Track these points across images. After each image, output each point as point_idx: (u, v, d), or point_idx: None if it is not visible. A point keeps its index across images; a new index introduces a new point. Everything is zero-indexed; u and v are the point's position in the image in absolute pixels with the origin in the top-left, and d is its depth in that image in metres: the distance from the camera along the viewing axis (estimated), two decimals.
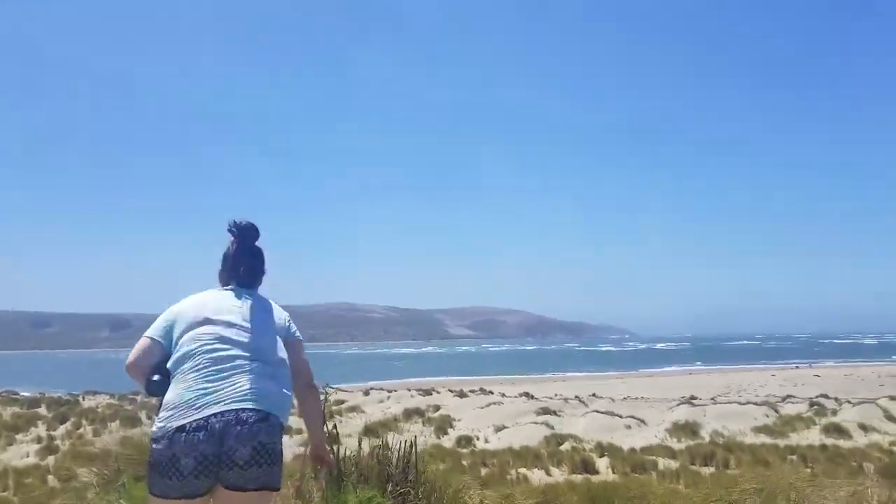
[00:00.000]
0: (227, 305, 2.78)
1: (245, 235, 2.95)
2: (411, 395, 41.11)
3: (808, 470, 14.65)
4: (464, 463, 19.22)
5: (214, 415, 2.43)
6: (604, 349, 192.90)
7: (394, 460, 4.99)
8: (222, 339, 2.63)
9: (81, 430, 27.52)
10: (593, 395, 44.91)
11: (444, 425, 28.88)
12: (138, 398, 34.76)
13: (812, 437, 22.36)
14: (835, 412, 26.90)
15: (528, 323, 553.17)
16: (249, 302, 2.84)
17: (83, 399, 40.92)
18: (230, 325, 2.69)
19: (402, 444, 5.09)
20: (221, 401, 2.47)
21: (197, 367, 2.56)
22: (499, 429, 27.75)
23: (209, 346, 2.60)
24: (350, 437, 22.22)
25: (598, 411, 31.94)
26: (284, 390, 2.72)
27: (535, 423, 28.08)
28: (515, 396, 40.42)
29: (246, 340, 2.66)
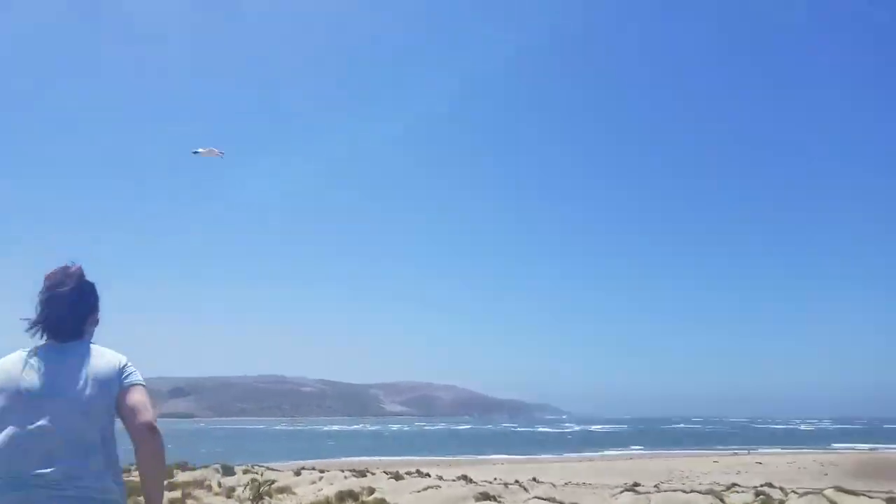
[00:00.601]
0: (31, 371, 2.51)
1: (53, 284, 2.67)
2: (345, 477, 38.61)
3: None
4: None
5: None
6: (541, 430, 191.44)
7: None
8: (24, 413, 2.39)
9: None
10: (533, 479, 43.43)
11: None
12: None
13: None
14: (782, 503, 26.43)
15: (464, 399, 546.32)
16: (59, 364, 2.55)
17: None
18: (20, 394, 2.44)
19: None
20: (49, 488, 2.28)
21: None
22: None
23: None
24: None
25: (539, 497, 30.56)
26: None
27: None
28: (453, 480, 38.58)
29: (37, 413, 2.41)
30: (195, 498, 30.58)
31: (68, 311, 2.63)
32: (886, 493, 34.52)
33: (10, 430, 2.34)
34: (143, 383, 2.68)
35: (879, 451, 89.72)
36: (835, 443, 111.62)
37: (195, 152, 7.46)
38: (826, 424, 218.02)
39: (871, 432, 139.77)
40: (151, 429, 2.53)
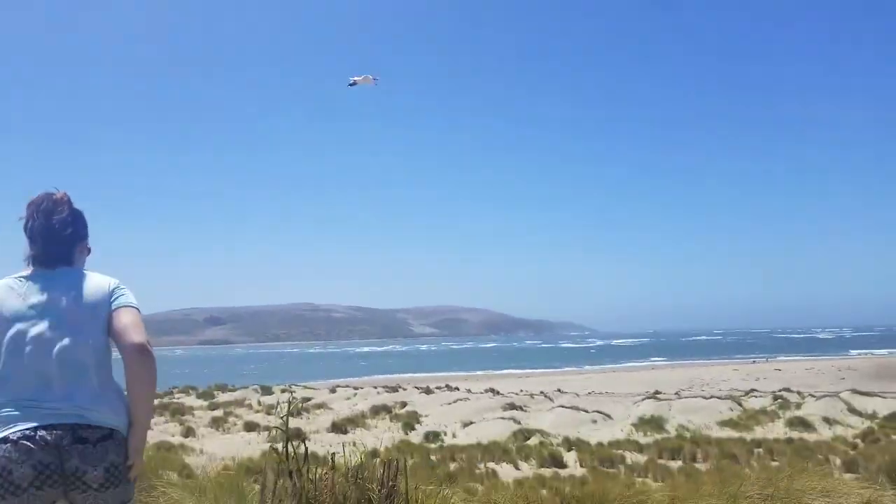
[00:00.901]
0: (19, 298, 2.45)
1: (38, 210, 2.54)
2: (377, 392, 40.62)
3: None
4: (432, 458, 18.92)
5: (44, 426, 2.24)
6: (565, 346, 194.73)
7: (375, 486, 3.92)
8: (16, 339, 2.37)
9: None
10: (558, 390, 45.10)
11: (411, 421, 28.52)
12: None
13: (777, 430, 22.66)
14: (798, 406, 27.37)
15: (490, 321, 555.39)
16: (48, 290, 2.47)
17: None
18: (9, 320, 2.40)
19: (385, 466, 4.04)
20: (49, 411, 2.28)
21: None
22: (466, 424, 27.54)
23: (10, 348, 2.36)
24: (318, 434, 21.44)
25: (563, 406, 32.01)
26: (102, 389, 2.42)
27: (502, 418, 27.97)
28: (481, 392, 40.31)
29: (46, 336, 2.37)
30: (237, 416, 32.64)
31: (59, 237, 2.54)
32: None
33: (3, 356, 2.35)
34: (136, 305, 2.52)
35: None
36: (853, 349, 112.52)
37: (351, 84, 7.55)
38: (845, 332, 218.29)
39: (889, 338, 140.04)
40: (142, 349, 2.36)
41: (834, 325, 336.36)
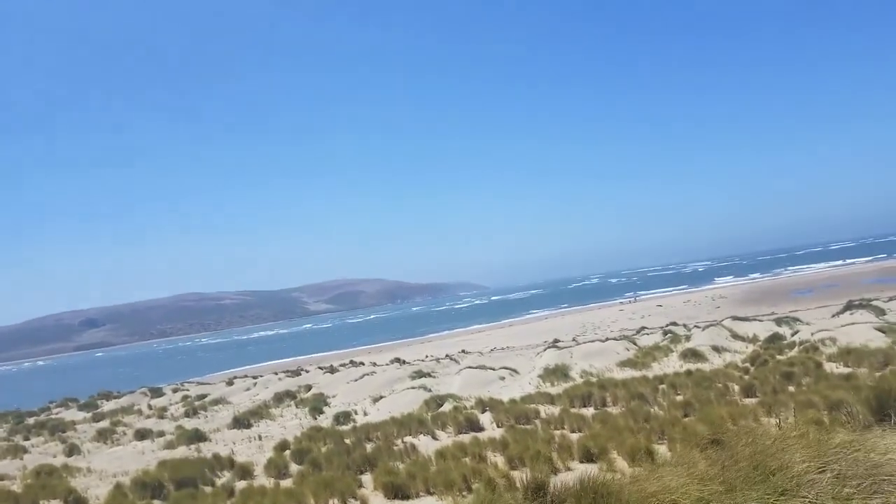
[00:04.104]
0: None
1: None
2: (279, 378, 39.03)
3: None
4: (347, 441, 18.19)
5: None
6: (463, 305, 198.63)
7: None
8: None
9: None
10: (462, 351, 45.53)
11: (318, 404, 27.48)
12: None
13: (673, 364, 23.74)
14: (687, 338, 28.93)
15: (386, 289, 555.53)
16: None
17: None
18: None
19: None
20: None
21: None
22: (376, 399, 26.92)
23: None
24: (218, 432, 19.87)
25: (470, 367, 32.12)
26: None
27: (412, 387, 27.59)
28: (387, 364, 39.79)
29: None
30: (125, 424, 30.13)
31: None
32: (770, 314, 38.74)
33: None
34: None
35: (759, 280, 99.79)
36: (717, 278, 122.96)
37: None
38: (705, 265, 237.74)
39: (750, 266, 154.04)
40: None
41: (696, 259, 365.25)
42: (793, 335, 26.41)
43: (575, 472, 11.57)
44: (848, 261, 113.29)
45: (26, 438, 27.16)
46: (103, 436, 26.11)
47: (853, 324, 24.76)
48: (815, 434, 4.15)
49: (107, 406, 36.20)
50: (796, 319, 31.13)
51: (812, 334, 24.38)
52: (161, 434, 24.71)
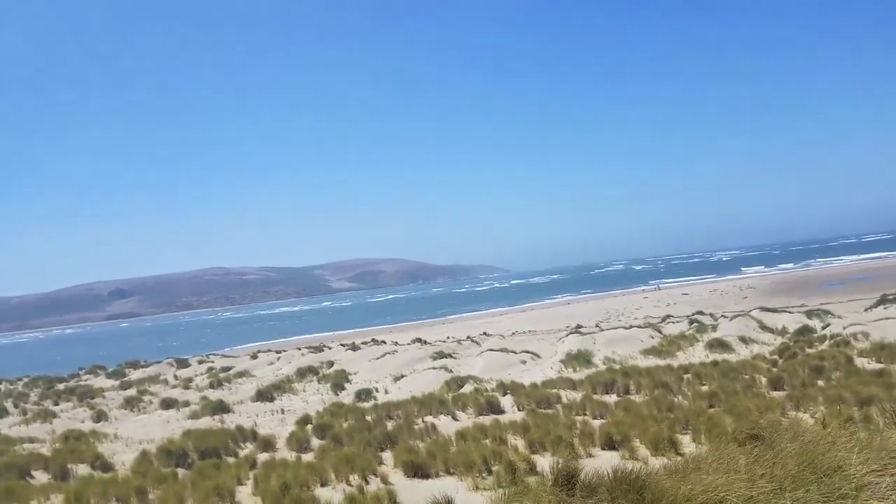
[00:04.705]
0: None
1: None
2: (302, 354, 39.42)
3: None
4: (368, 418, 18.29)
5: None
6: (484, 288, 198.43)
7: None
8: None
9: None
10: (484, 333, 45.46)
11: (340, 381, 27.70)
12: None
13: (698, 354, 23.37)
14: (714, 328, 28.43)
15: (407, 270, 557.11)
16: None
17: None
18: None
19: None
20: None
21: None
22: (397, 378, 27.03)
23: None
24: (242, 404, 20.02)
25: (492, 349, 32.05)
26: None
27: (433, 368, 27.62)
28: (408, 343, 39.90)
29: None
30: (152, 393, 30.66)
31: None
32: (800, 306, 37.99)
33: None
34: None
35: (789, 271, 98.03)
36: (744, 267, 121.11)
37: None
38: (735, 253, 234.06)
39: (780, 257, 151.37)
40: None
41: (726, 247, 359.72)
42: (823, 328, 25.86)
43: (597, 459, 11.49)
44: (883, 253, 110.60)
45: (56, 403, 27.82)
46: (130, 403, 26.66)
47: (887, 318, 24.13)
48: (867, 433, 3.94)
49: (134, 375, 36.91)
50: (827, 312, 30.46)
51: (844, 328, 23.83)
52: (186, 404, 25.13)
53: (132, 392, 30.05)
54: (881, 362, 17.33)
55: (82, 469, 14.68)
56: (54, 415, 24.24)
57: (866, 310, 30.17)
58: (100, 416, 23.96)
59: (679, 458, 4.28)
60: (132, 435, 20.04)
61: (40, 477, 14.02)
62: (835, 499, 2.92)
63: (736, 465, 3.54)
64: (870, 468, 3.13)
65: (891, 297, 31.22)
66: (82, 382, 35.14)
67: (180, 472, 13.64)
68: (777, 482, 3.15)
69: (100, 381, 35.02)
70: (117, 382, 34.14)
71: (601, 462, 11.20)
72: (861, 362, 17.60)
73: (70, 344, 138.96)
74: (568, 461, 4.71)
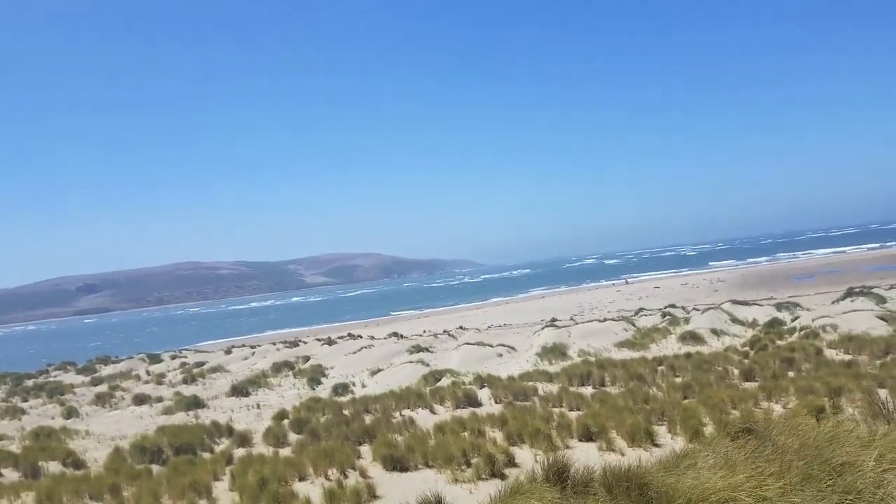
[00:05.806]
0: None
1: None
2: (277, 349, 39.10)
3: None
4: (345, 413, 18.22)
5: None
6: (459, 282, 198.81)
7: None
8: None
9: None
10: (460, 327, 45.56)
11: (316, 375, 27.55)
12: None
13: (671, 346, 23.72)
14: (686, 320, 28.88)
15: (383, 264, 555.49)
16: None
17: None
18: None
19: None
20: None
21: None
22: (374, 372, 26.96)
23: None
24: (217, 399, 19.81)
25: (468, 343, 32.15)
26: None
27: (410, 361, 27.62)
28: (385, 338, 39.84)
29: None
30: (124, 389, 30.19)
31: None
32: (770, 299, 38.76)
33: None
34: None
35: (760, 264, 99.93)
36: (712, 262, 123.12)
37: None
38: (705, 248, 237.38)
39: (748, 251, 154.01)
40: None
41: (690, 242, 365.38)
42: (793, 321, 26.41)
43: (575, 451, 11.60)
44: (849, 248, 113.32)
45: (24, 400, 27.24)
46: (101, 400, 26.21)
47: (854, 311, 24.75)
48: (867, 427, 3.96)
49: (105, 371, 36.31)
50: (796, 305, 31.12)
51: (813, 320, 24.38)
52: (159, 399, 24.78)
53: (103, 388, 29.55)
54: (849, 353, 17.77)
55: (53, 466, 14.42)
56: (23, 412, 23.75)
57: (833, 302, 30.90)
58: (70, 413, 23.52)
59: (667, 452, 4.18)
60: (104, 431, 19.72)
61: (10, 475, 13.74)
62: (852, 497, 2.88)
63: (733, 461, 3.51)
64: (883, 465, 3.08)
65: (857, 290, 32.00)
66: (51, 379, 34.44)
67: (155, 468, 13.46)
68: (787, 480, 3.09)
69: (70, 378, 34.38)
70: (88, 378, 33.55)
71: (579, 453, 11.35)
72: (830, 354, 18.02)
73: (34, 340, 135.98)
74: (559, 457, 4.67)
